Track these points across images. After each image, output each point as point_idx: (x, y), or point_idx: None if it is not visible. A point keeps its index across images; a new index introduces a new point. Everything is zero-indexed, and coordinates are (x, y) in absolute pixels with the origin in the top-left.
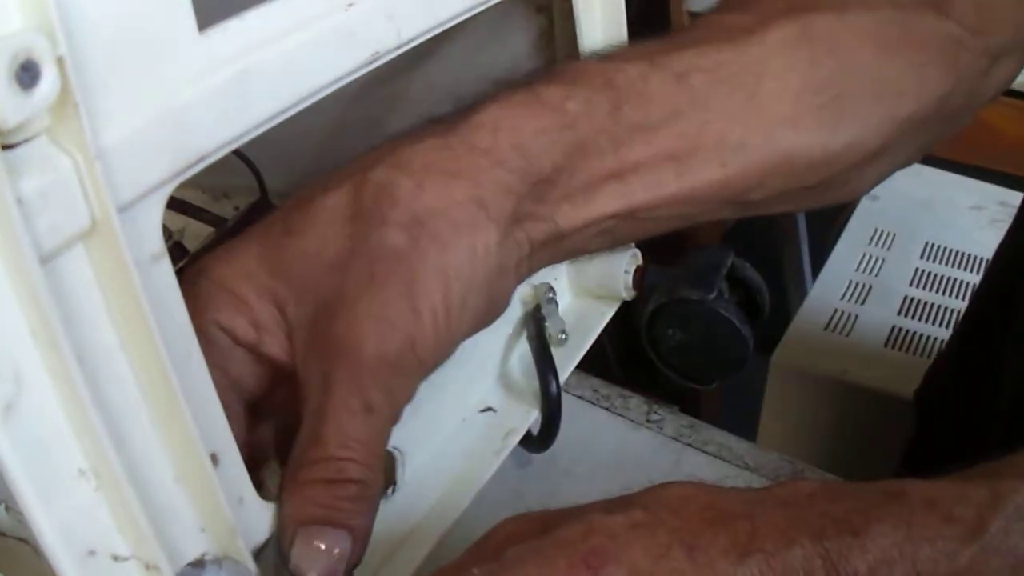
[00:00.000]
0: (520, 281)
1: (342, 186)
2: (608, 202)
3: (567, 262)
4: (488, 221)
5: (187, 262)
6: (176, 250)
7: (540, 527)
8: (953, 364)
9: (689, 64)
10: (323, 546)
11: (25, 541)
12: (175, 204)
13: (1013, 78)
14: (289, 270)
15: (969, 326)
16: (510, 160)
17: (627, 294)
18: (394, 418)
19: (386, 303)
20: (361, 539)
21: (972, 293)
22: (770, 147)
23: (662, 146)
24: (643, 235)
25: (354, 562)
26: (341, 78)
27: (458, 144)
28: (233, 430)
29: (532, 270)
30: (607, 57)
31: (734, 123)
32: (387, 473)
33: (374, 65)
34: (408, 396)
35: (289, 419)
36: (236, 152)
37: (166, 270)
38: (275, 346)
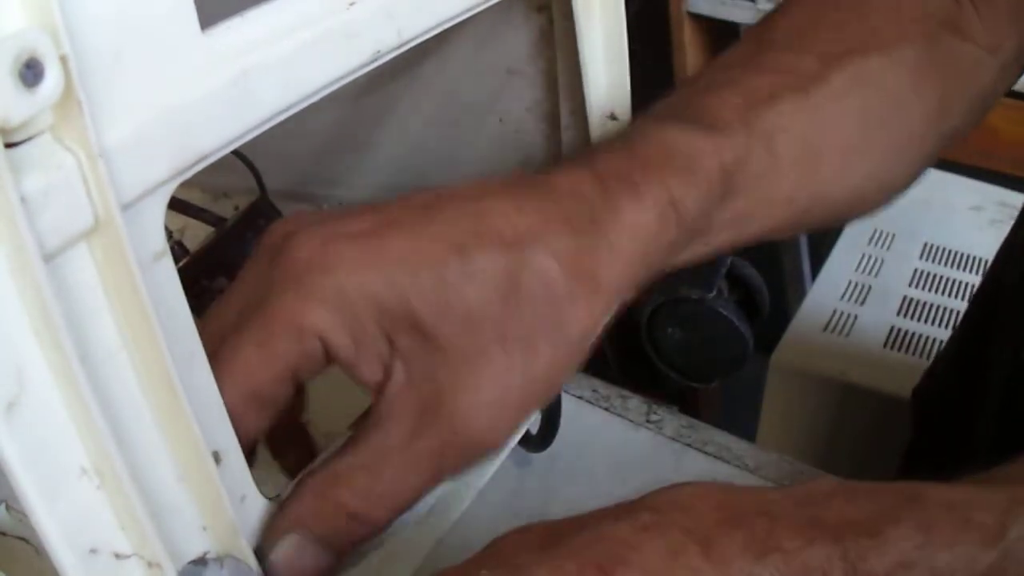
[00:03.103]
0: None
1: (506, 251)
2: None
3: None
4: (613, 302)
5: (187, 262)
6: (177, 249)
7: (548, 536)
8: (949, 365)
9: (773, 125)
10: (308, 560)
11: (26, 540)
12: (175, 204)
13: (1011, 86)
14: (424, 316)
15: (965, 327)
16: (638, 273)
17: None
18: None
19: (506, 393)
20: (340, 561)
21: (972, 294)
22: (824, 193)
23: (739, 211)
24: None
25: None
26: (342, 77)
27: (606, 251)
28: (265, 420)
29: None
30: (715, 129)
31: (800, 180)
32: None
33: (375, 64)
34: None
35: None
36: (236, 152)
37: (168, 268)
38: (367, 372)
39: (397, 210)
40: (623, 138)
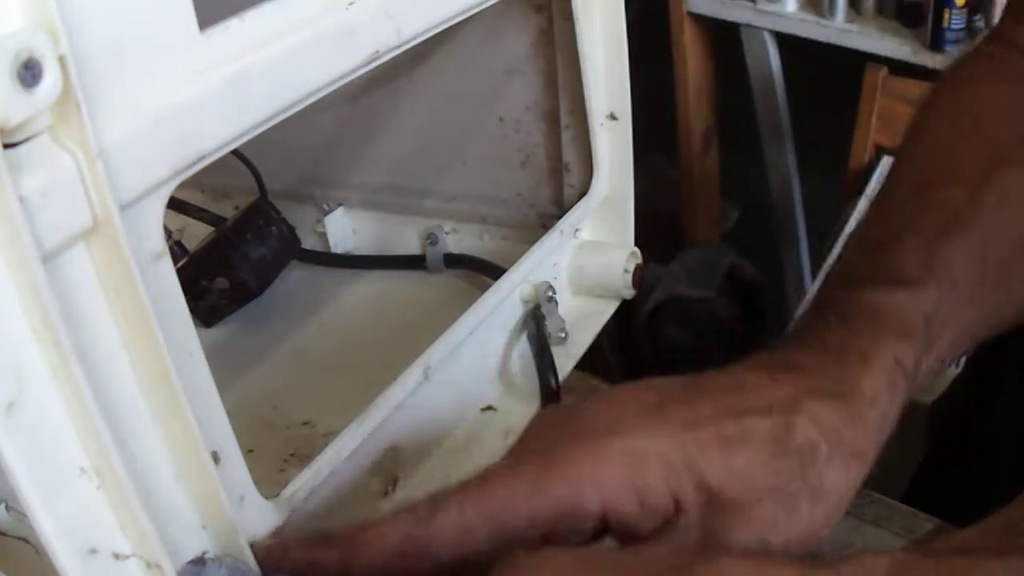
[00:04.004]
0: None
1: (772, 415)
2: None
3: (567, 261)
4: (865, 467)
5: (187, 262)
6: (176, 249)
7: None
8: (967, 383)
9: (951, 262)
10: None
11: (26, 540)
12: (175, 204)
13: None
14: (708, 472)
15: (982, 345)
16: (880, 437)
17: (627, 293)
18: None
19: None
20: None
21: None
22: (997, 307)
23: (940, 352)
24: None
25: None
26: (341, 77)
27: (857, 421)
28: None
29: None
30: (909, 284)
31: (978, 303)
32: (388, 471)
33: (374, 64)
34: None
35: None
36: (236, 152)
37: (167, 269)
38: (646, 525)
39: (665, 393)
40: (832, 308)
